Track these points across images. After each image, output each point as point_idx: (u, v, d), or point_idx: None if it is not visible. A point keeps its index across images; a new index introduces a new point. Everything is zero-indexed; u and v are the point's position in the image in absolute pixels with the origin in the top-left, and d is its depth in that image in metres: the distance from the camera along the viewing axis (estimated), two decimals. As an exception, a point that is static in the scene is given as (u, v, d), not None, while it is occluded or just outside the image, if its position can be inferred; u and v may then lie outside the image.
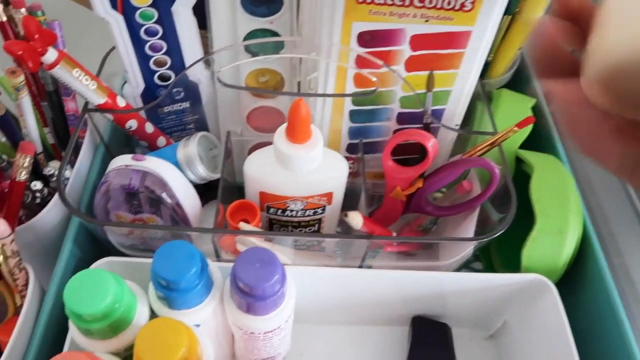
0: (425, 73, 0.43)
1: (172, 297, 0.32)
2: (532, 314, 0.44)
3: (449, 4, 0.37)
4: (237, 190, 0.49)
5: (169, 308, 0.33)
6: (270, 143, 0.52)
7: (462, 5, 0.37)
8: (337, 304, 0.46)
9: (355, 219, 0.38)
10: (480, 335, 0.50)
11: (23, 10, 0.40)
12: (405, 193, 0.48)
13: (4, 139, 0.44)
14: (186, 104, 0.49)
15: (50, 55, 0.37)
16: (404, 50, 0.41)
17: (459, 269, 0.47)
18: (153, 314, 0.34)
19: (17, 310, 0.37)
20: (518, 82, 0.58)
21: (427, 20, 0.39)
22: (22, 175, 0.36)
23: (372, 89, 0.41)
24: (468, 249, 0.43)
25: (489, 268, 0.54)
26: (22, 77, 0.36)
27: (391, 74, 0.42)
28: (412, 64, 0.42)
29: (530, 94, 0.55)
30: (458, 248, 0.44)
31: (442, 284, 0.44)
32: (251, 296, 0.32)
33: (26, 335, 0.35)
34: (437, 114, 0.46)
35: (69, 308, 0.29)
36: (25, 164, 0.36)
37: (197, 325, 0.34)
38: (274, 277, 0.31)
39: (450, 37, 0.40)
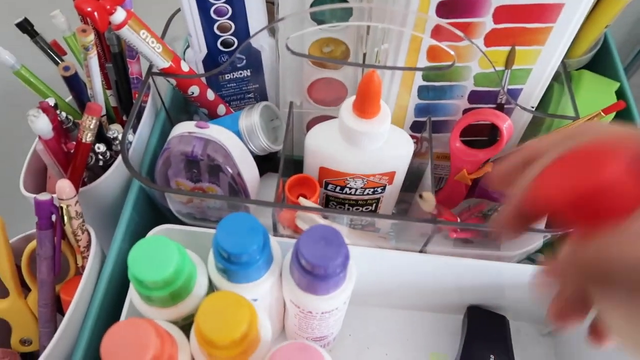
0: (506, 49, 0.40)
1: (233, 270, 0.31)
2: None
3: (542, -24, 0.34)
4: (293, 163, 0.48)
5: (228, 281, 0.32)
6: (329, 117, 0.50)
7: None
8: (390, 287, 0.45)
9: (430, 201, 0.36)
10: (538, 330, 0.47)
11: (92, -32, 0.40)
12: (472, 177, 0.45)
13: (68, 99, 0.44)
14: (247, 72, 0.47)
15: (119, 14, 0.37)
16: (486, 22, 0.38)
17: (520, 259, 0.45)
18: (211, 285, 0.34)
19: (78, 271, 0.38)
20: (599, 64, 0.54)
21: (516, -9, 0.35)
22: (88, 137, 0.36)
23: (449, 63, 0.39)
24: (537, 243, 0.40)
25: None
26: (92, 36, 0.36)
27: (469, 49, 0.39)
28: (492, 38, 0.39)
29: (613, 77, 0.51)
30: (525, 240, 0.41)
31: (502, 275, 0.42)
32: (313, 275, 0.31)
33: (88, 295, 0.35)
34: (513, 94, 0.43)
35: (132, 274, 0.29)
36: (92, 126, 0.35)
37: (255, 300, 0.33)
38: (339, 258, 0.30)
39: (540, 9, 0.36)
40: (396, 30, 0.39)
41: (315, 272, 0.31)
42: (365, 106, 0.37)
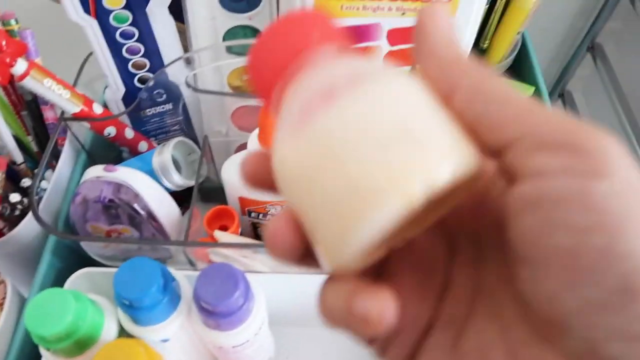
0: (407, 68, 0.40)
1: (137, 314, 0.31)
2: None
3: (425, -5, 0.35)
4: (223, 192, 0.49)
5: (135, 324, 0.33)
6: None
7: (440, -5, 0.35)
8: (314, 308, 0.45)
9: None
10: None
11: (-6, 19, 0.40)
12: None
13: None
14: (169, 106, 0.48)
15: (20, 66, 0.37)
16: (382, 45, 0.38)
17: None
18: (122, 329, 0.34)
19: (-2, 322, 0.38)
20: (519, 68, 0.55)
21: (403, 13, 0.36)
22: (-6, 191, 0.36)
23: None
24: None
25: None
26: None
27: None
28: (392, 60, 0.39)
29: (532, 79, 0.52)
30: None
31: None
32: (214, 314, 0.31)
33: (4, 347, 0.36)
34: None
35: (30, 329, 0.29)
36: (-3, 179, 0.36)
37: (165, 340, 0.34)
38: (235, 294, 0.31)
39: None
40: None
41: (216, 310, 0.31)
42: (267, 137, 0.37)
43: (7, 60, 0.37)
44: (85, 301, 0.31)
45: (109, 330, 0.33)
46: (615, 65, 0.65)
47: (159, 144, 0.49)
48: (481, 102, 0.13)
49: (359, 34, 0.37)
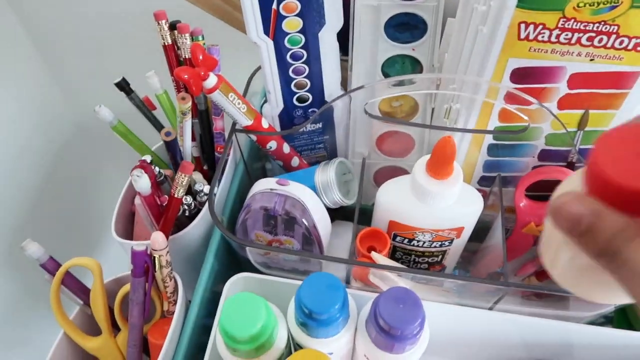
0: (579, 112, 0.40)
1: (314, 326, 0.33)
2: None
3: (621, 43, 0.35)
4: (360, 212, 0.50)
5: (307, 335, 0.34)
6: (396, 167, 0.52)
7: (637, 45, 0.35)
8: (455, 340, 0.45)
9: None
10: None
11: (186, 35, 0.44)
12: (540, 229, 0.45)
13: (153, 148, 0.47)
14: (319, 125, 0.50)
15: (211, 80, 0.40)
16: (560, 88, 0.38)
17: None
18: (291, 337, 0.36)
19: (163, 314, 0.41)
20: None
21: (592, 60, 0.36)
22: (180, 193, 0.39)
23: (523, 126, 0.39)
24: (609, 307, 0.40)
25: (623, 317, 0.50)
26: (189, 103, 0.39)
27: (541, 111, 0.40)
28: (566, 102, 0.39)
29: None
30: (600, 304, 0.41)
31: (571, 335, 0.41)
32: (391, 335, 0.32)
33: (175, 339, 0.38)
34: (584, 153, 0.43)
35: (223, 328, 0.31)
36: (184, 182, 0.39)
37: (331, 353, 0.35)
38: (417, 321, 0.31)
39: (616, 76, 0.37)
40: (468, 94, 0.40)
41: (393, 332, 0.32)
42: (439, 168, 0.38)
43: (202, 74, 0.40)
44: (270, 310, 0.33)
45: (281, 337, 0.34)
46: None
47: (305, 160, 0.51)
48: None
49: (541, 74, 0.38)
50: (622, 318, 0.50)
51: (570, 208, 0.19)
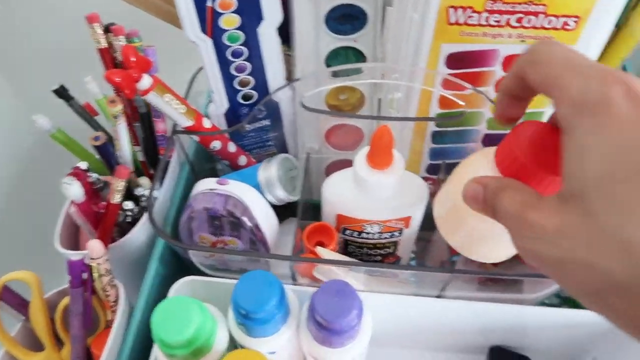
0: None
1: (251, 325, 0.32)
2: (625, 353, 0.40)
3: (549, 23, 0.35)
4: (313, 207, 0.49)
5: (247, 335, 0.33)
6: (347, 160, 0.51)
7: (565, 24, 0.34)
8: (411, 330, 0.45)
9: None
10: (562, 370, 0.46)
11: (122, 37, 0.43)
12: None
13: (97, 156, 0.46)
14: (267, 122, 0.49)
15: (145, 82, 0.39)
16: (495, 71, 0.38)
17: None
18: (231, 339, 0.35)
19: (108, 324, 0.40)
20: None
21: (523, 41, 0.36)
22: (117, 198, 0.38)
23: (460, 111, 0.39)
24: (556, 285, 0.40)
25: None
26: (120, 107, 0.38)
27: (478, 95, 0.40)
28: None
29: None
30: (546, 282, 0.41)
31: (525, 318, 0.41)
32: (328, 330, 0.31)
33: (116, 348, 0.37)
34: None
35: (156, 335, 0.30)
36: (120, 188, 0.38)
37: (273, 353, 0.34)
38: (353, 312, 0.31)
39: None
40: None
41: (331, 327, 0.31)
42: (378, 158, 0.37)
43: (134, 75, 0.39)
44: (205, 311, 0.32)
45: (221, 340, 0.34)
46: None
47: (254, 157, 0.51)
48: None
49: (475, 59, 0.37)
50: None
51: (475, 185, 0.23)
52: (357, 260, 0.41)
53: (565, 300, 0.50)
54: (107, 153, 0.41)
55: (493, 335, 0.44)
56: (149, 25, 0.48)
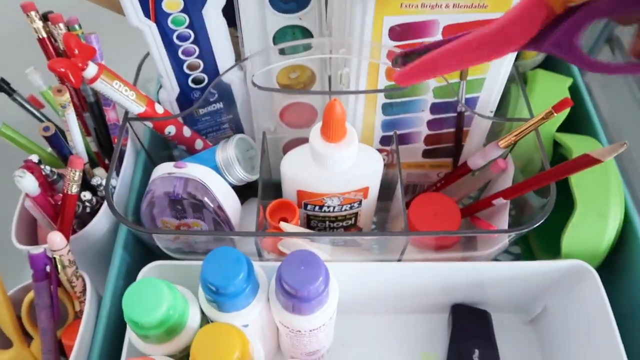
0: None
1: (222, 301, 0.33)
2: (573, 299, 0.44)
3: (482, -10, 0.37)
4: (273, 186, 0.50)
5: (218, 311, 0.34)
6: (304, 139, 0.52)
7: (497, -9, 0.36)
8: (377, 295, 0.47)
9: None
10: (520, 320, 0.50)
11: (61, 25, 0.42)
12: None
13: (49, 149, 0.46)
14: (220, 105, 0.50)
15: (91, 69, 0.38)
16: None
17: (498, 254, 0.47)
18: (204, 316, 0.36)
19: (77, 315, 0.40)
20: (553, 61, 0.56)
21: (459, 9, 0.38)
22: (73, 189, 0.38)
23: (405, 83, 0.41)
24: (505, 240, 0.43)
25: (528, 252, 0.54)
26: (67, 96, 0.38)
27: (423, 66, 0.42)
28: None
29: (567, 72, 0.54)
30: (496, 239, 0.44)
31: (481, 273, 0.44)
32: (297, 298, 0.33)
33: (88, 338, 0.37)
34: (471, 103, 0.46)
35: (127, 317, 0.31)
36: (76, 178, 0.37)
37: (246, 326, 0.35)
38: (319, 279, 0.32)
39: (484, 24, 0.39)
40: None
41: (299, 295, 0.33)
42: (332, 132, 0.39)
43: (79, 64, 0.38)
44: (175, 291, 0.33)
45: (194, 318, 0.35)
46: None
47: (210, 141, 0.51)
48: None
49: (416, 30, 0.39)
50: (527, 253, 0.54)
51: None
52: (317, 232, 0.43)
53: (516, 257, 0.54)
54: (58, 144, 0.40)
55: (454, 293, 0.47)
56: (87, 13, 0.47)
